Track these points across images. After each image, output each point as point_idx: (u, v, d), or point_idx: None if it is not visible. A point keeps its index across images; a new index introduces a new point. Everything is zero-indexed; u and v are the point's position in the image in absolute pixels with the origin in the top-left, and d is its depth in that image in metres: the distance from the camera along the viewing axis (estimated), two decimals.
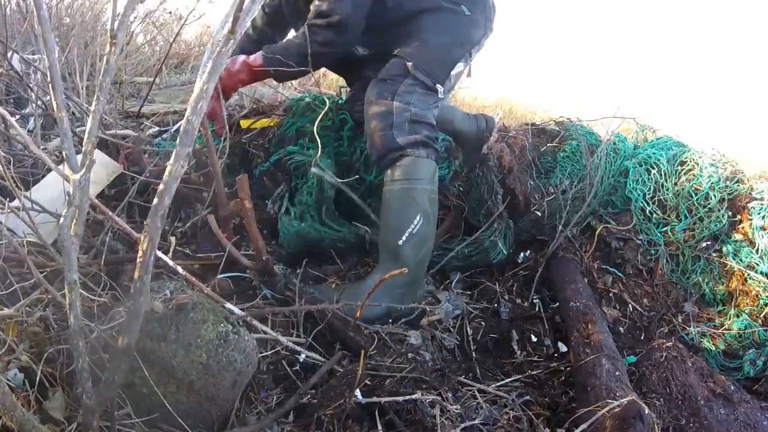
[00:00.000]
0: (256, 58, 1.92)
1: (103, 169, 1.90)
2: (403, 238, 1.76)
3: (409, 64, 1.83)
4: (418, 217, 1.78)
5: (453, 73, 1.95)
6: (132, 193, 1.84)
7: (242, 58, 1.94)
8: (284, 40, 2.07)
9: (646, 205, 2.20)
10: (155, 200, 0.76)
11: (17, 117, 2.24)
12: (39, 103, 2.13)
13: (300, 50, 1.89)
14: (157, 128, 2.44)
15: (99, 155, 1.91)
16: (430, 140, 1.85)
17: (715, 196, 2.13)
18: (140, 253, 0.77)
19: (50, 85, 0.71)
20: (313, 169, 1.98)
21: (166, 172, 0.74)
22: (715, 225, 2.10)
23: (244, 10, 0.68)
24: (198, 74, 0.72)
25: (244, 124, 2.33)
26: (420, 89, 1.85)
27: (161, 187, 0.75)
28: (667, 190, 2.20)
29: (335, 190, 2.05)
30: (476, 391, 1.49)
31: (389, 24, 1.93)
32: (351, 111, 2.16)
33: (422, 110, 1.84)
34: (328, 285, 1.88)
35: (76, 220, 0.79)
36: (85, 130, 0.83)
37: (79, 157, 0.77)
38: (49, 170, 1.84)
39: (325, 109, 2.00)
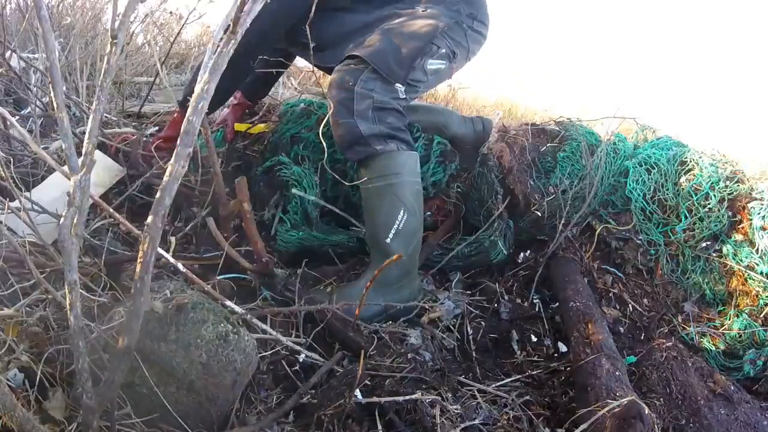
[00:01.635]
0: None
1: (106, 171, 1.90)
2: (390, 235, 1.75)
3: (363, 56, 1.78)
4: (401, 213, 1.76)
5: (428, 68, 1.88)
6: (136, 186, 1.85)
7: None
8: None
9: (646, 205, 2.20)
10: (156, 200, 0.76)
11: (17, 118, 2.24)
12: (38, 104, 2.13)
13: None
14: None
15: (102, 158, 1.92)
16: (398, 130, 1.79)
17: (715, 196, 2.13)
18: (141, 253, 0.77)
19: (50, 85, 0.71)
20: (294, 191, 1.97)
21: (167, 173, 0.74)
22: (715, 225, 2.10)
23: (245, 10, 0.68)
24: (199, 75, 0.72)
25: (240, 128, 2.33)
26: (380, 80, 1.78)
27: (161, 187, 0.75)
28: (667, 190, 2.20)
29: (330, 194, 2.05)
30: (476, 391, 1.49)
31: (340, 37, 1.92)
32: None
33: (386, 96, 1.78)
34: (324, 287, 1.87)
35: (76, 220, 0.79)
36: (85, 131, 0.83)
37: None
38: (50, 170, 1.84)
39: (328, 113, 1.99)
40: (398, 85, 1.82)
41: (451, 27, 1.91)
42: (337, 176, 1.87)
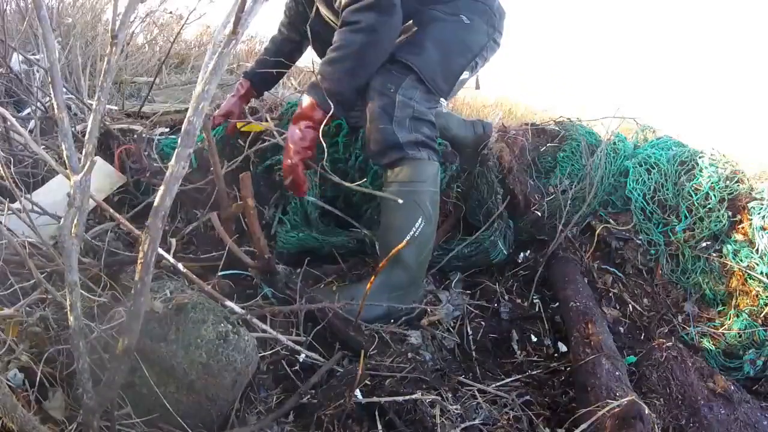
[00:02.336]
0: (314, 108, 1.72)
1: (107, 179, 1.91)
2: (405, 241, 1.74)
3: (412, 64, 1.77)
4: (420, 220, 1.75)
5: (459, 80, 1.91)
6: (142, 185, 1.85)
7: (298, 127, 1.74)
8: (320, 73, 1.74)
9: (646, 205, 2.20)
10: (156, 201, 0.76)
11: (17, 119, 2.24)
12: (39, 104, 2.13)
13: (349, 60, 1.68)
14: (168, 128, 2.41)
15: (103, 165, 1.92)
16: (431, 140, 1.81)
17: (715, 196, 2.13)
18: (141, 254, 0.77)
19: (50, 85, 0.71)
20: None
21: (167, 173, 0.74)
22: (715, 225, 2.10)
23: (246, 10, 0.68)
24: (199, 75, 0.72)
25: (240, 126, 2.32)
26: (422, 89, 1.79)
27: (162, 187, 0.75)
28: (667, 190, 2.20)
29: (330, 194, 2.05)
30: (476, 391, 1.49)
31: None
32: (347, 117, 2.16)
33: (424, 108, 1.79)
34: (326, 286, 1.87)
35: (76, 221, 0.79)
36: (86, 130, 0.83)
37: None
38: (50, 171, 1.84)
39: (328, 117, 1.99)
40: (442, 99, 1.85)
41: (485, 44, 1.95)
42: (335, 178, 1.87)
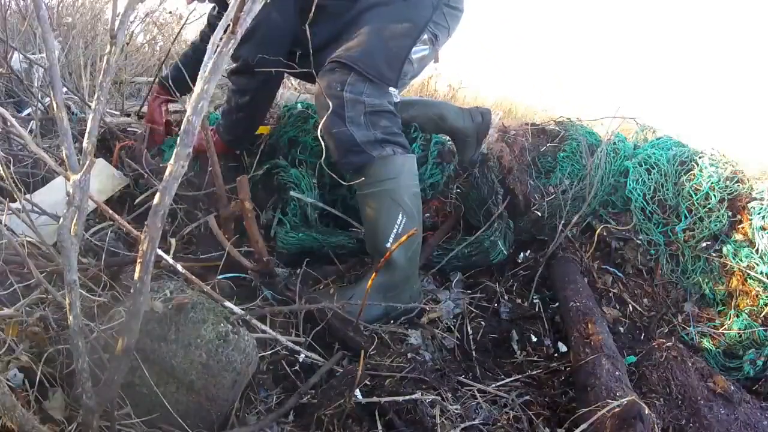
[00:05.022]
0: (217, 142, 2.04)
1: (109, 180, 1.91)
2: (390, 240, 1.72)
3: (350, 62, 1.70)
4: (400, 217, 1.73)
5: (413, 57, 1.81)
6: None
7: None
8: (218, 124, 2.10)
9: (646, 205, 2.20)
10: (155, 200, 0.76)
11: (17, 119, 2.24)
12: (39, 105, 2.14)
13: (235, 108, 1.96)
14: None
15: (105, 166, 1.93)
16: (392, 133, 1.74)
17: (715, 196, 2.13)
18: (140, 253, 0.77)
19: (50, 84, 0.71)
20: (292, 193, 1.97)
21: (167, 172, 0.74)
22: (715, 225, 2.10)
23: (245, 10, 0.68)
24: (198, 74, 0.72)
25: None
26: (370, 83, 1.71)
27: (161, 186, 0.75)
28: (667, 190, 2.20)
29: (328, 196, 2.05)
30: (476, 391, 1.49)
31: (330, 37, 1.85)
32: None
33: (377, 99, 1.71)
34: (324, 288, 1.87)
35: (75, 220, 0.79)
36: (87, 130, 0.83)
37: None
38: (50, 171, 1.84)
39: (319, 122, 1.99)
40: (391, 89, 1.77)
41: (433, 12, 1.84)
42: (335, 176, 1.87)
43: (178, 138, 0.73)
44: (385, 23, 1.79)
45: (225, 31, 0.72)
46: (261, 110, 2.10)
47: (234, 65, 1.94)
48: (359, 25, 1.80)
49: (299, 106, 2.26)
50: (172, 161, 0.74)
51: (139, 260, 0.77)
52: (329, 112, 1.64)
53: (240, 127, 2.06)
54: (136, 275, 0.79)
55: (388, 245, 1.72)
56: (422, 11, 1.82)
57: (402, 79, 1.82)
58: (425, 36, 1.84)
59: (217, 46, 0.70)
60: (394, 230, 1.72)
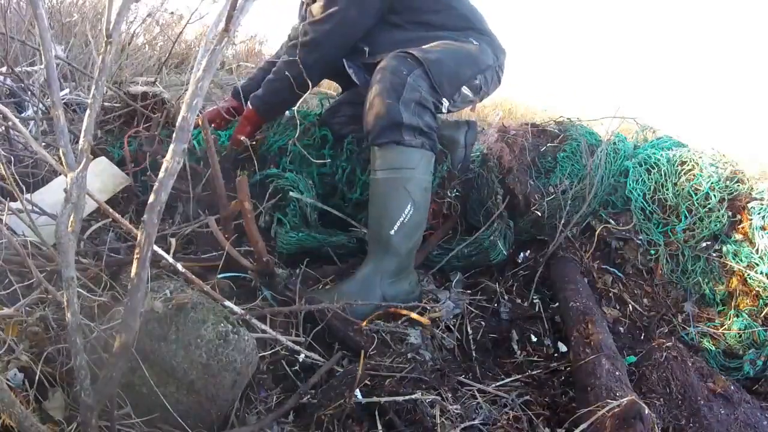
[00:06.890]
0: (247, 110, 2.09)
1: (111, 179, 1.91)
2: (395, 228, 1.76)
3: (422, 59, 1.80)
4: (409, 207, 1.77)
5: (463, 91, 1.94)
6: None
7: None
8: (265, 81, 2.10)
9: (646, 205, 2.20)
10: (151, 197, 0.76)
11: (18, 119, 2.24)
12: (40, 105, 2.14)
13: (288, 76, 1.92)
14: None
15: (108, 165, 1.92)
16: (431, 129, 1.82)
17: (715, 196, 2.13)
18: (137, 249, 0.77)
19: (47, 83, 0.71)
20: (292, 193, 1.97)
21: (162, 169, 0.74)
22: (715, 225, 2.10)
23: (237, 8, 0.68)
24: (192, 72, 0.72)
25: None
26: (428, 83, 1.82)
27: (157, 183, 0.75)
28: (667, 190, 2.20)
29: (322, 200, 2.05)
30: (476, 391, 1.49)
31: (398, 41, 1.94)
32: (330, 123, 2.15)
33: (430, 98, 1.81)
34: (323, 286, 1.87)
35: (73, 217, 0.79)
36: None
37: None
38: (51, 171, 1.84)
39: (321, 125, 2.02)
40: (444, 99, 1.87)
41: (491, 66, 2.02)
42: (328, 183, 1.88)
43: (174, 134, 0.73)
44: (459, 48, 1.94)
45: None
46: (314, 75, 1.99)
47: (323, 13, 1.91)
48: (431, 41, 1.93)
49: (287, 113, 2.26)
50: (168, 157, 0.74)
51: (135, 256, 0.77)
52: (388, 83, 1.75)
53: (281, 95, 2.03)
54: (133, 272, 0.79)
55: (392, 233, 1.76)
56: (485, 58, 2.00)
57: (453, 100, 1.93)
58: (477, 82, 1.98)
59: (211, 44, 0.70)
60: (401, 219, 1.76)
